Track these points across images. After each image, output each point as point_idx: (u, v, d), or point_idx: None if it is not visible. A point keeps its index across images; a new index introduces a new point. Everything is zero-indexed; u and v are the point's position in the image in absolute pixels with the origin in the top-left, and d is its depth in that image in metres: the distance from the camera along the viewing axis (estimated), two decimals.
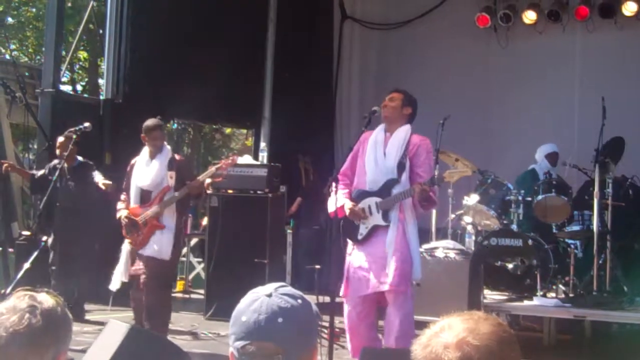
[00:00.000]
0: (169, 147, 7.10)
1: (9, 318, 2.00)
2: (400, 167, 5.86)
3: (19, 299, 2.05)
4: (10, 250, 10.07)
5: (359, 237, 5.89)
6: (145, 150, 6.99)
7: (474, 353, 1.54)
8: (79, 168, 8.64)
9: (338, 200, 5.69)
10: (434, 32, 12.58)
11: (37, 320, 2.00)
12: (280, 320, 1.84)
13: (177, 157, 7.13)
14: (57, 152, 8.60)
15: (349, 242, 5.97)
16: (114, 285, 6.88)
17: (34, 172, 9.20)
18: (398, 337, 5.69)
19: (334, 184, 5.58)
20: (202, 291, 9.73)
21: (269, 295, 1.88)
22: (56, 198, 8.25)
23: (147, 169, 6.90)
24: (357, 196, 5.94)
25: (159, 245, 6.71)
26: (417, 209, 5.89)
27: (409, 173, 5.85)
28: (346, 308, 5.89)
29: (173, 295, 10.61)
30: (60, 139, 8.57)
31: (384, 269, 5.70)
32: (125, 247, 6.90)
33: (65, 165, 8.24)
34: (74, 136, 8.04)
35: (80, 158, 8.67)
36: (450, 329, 1.59)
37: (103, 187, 8.11)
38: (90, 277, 8.55)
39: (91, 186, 8.43)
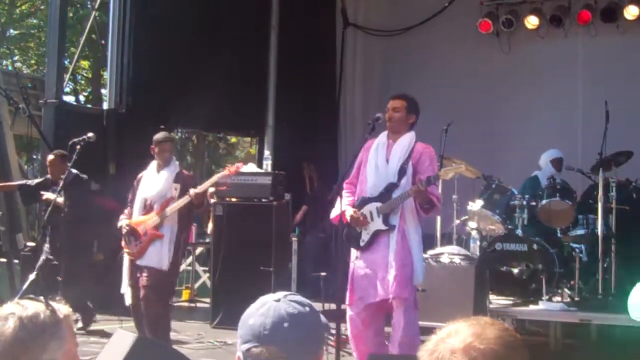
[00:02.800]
0: (177, 162, 7.15)
1: None
2: (401, 172, 5.84)
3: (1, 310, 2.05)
4: (16, 261, 10.09)
5: (361, 244, 5.88)
6: (153, 165, 7.01)
7: (480, 358, 1.54)
8: (73, 181, 8.59)
9: (341, 206, 5.68)
10: (436, 38, 12.60)
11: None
12: (285, 325, 1.87)
13: (184, 172, 7.17)
14: (48, 170, 8.58)
15: (352, 249, 5.96)
16: (129, 300, 6.92)
17: (29, 181, 9.14)
18: (402, 344, 5.67)
19: (336, 192, 5.60)
20: (208, 300, 9.74)
21: (278, 301, 1.92)
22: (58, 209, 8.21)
23: (154, 181, 6.93)
24: (359, 203, 5.94)
25: (158, 255, 6.71)
26: (420, 213, 5.87)
27: (411, 179, 5.84)
28: (349, 314, 5.87)
29: (179, 304, 10.68)
30: (49, 157, 8.53)
31: (387, 275, 5.69)
32: (126, 259, 6.92)
33: (57, 177, 8.20)
34: (78, 147, 8.00)
35: (74, 170, 8.58)
36: (456, 334, 1.59)
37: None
38: (95, 287, 8.56)
39: (84, 199, 8.48)
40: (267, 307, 1.90)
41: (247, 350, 1.87)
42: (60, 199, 8.01)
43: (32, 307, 2.06)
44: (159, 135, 7.05)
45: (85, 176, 8.66)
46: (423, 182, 5.64)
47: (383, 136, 6.02)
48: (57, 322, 2.08)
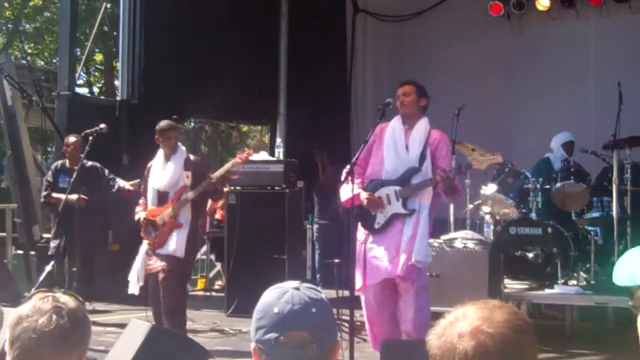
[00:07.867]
0: (183, 148, 7.13)
1: (37, 320, 2.01)
2: (422, 157, 5.85)
3: (42, 301, 2.06)
4: (32, 252, 10.16)
5: (376, 227, 5.86)
6: (160, 153, 7.01)
7: (488, 341, 1.54)
8: (87, 171, 8.48)
9: (353, 189, 5.67)
10: (446, 22, 12.54)
11: (64, 320, 2.02)
12: (314, 310, 1.86)
13: (192, 157, 7.16)
14: (70, 149, 8.48)
15: (361, 231, 5.92)
16: (133, 289, 6.91)
17: (44, 194, 8.94)
18: (415, 325, 5.66)
19: (347, 173, 5.60)
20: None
21: (297, 288, 1.90)
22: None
23: (163, 171, 6.93)
24: (374, 186, 5.91)
25: (174, 243, 6.74)
26: (442, 198, 5.87)
27: (430, 166, 5.85)
28: (364, 297, 5.86)
29: (194, 293, 10.72)
30: (72, 139, 8.48)
31: (400, 254, 5.68)
32: (143, 248, 6.94)
33: (75, 163, 8.16)
34: (91, 137, 8.01)
35: (87, 161, 8.47)
36: (464, 318, 1.59)
37: (131, 188, 8.11)
38: (110, 277, 8.59)
39: (101, 189, 8.44)
40: (290, 295, 1.88)
41: (275, 340, 1.83)
42: (74, 196, 7.97)
43: (65, 299, 2.12)
44: (161, 124, 7.00)
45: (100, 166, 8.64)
46: (452, 170, 5.67)
47: (398, 122, 6.00)
48: (88, 316, 2.17)
